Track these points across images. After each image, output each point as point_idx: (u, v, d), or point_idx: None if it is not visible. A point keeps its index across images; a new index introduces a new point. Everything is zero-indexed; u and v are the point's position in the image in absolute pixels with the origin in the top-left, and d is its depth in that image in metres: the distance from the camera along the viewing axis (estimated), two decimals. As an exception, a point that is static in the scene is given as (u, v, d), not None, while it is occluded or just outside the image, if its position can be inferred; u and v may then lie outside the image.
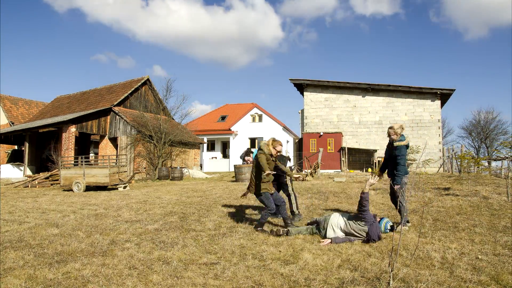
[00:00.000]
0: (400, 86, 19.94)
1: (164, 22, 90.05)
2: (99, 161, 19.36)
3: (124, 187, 13.59)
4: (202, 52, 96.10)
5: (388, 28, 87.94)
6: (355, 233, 4.71)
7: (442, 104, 20.84)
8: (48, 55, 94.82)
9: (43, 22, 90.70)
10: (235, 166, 15.64)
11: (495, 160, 16.98)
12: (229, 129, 31.30)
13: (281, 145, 5.70)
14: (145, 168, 20.38)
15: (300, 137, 24.19)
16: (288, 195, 6.54)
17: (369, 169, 17.37)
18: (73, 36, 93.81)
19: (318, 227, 5.05)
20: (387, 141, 5.62)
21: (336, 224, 4.84)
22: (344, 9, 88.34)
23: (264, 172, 5.24)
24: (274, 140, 5.61)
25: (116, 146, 21.54)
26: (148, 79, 24.04)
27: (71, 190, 13.43)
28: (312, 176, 14.75)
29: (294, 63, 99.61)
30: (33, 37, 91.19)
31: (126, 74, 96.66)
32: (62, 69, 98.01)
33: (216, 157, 31.06)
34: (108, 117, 21.79)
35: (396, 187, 5.26)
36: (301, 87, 21.61)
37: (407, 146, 5.40)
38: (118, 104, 22.01)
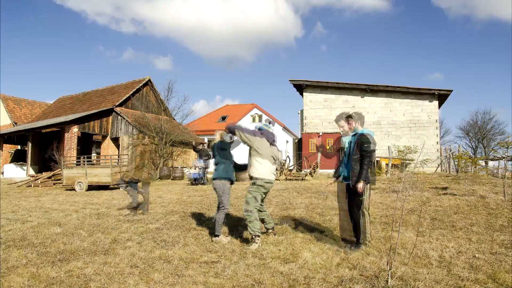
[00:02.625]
0: (398, 87, 20.00)
1: (163, 12, 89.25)
2: (101, 161, 19.43)
3: (126, 187, 13.64)
4: (202, 46, 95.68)
5: (386, 28, 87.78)
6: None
7: (440, 105, 20.87)
8: (48, 55, 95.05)
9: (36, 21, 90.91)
10: (235, 166, 15.68)
11: (492, 160, 16.97)
12: (230, 129, 31.28)
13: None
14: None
15: (299, 137, 24.24)
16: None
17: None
18: (74, 34, 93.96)
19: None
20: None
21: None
22: (341, 7, 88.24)
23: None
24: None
25: (118, 146, 21.62)
26: (149, 80, 24.12)
27: (74, 189, 13.50)
28: (312, 176, 14.82)
29: (294, 61, 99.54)
30: (34, 38, 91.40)
31: (127, 68, 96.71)
32: (64, 69, 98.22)
33: (217, 157, 31.12)
34: (110, 117, 21.87)
35: None
36: (301, 87, 21.66)
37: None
38: (120, 105, 22.08)
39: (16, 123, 27.05)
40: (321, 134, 19.44)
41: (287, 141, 32.43)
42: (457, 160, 12.82)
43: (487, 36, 76.83)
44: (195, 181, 14.14)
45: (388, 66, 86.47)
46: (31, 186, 15.84)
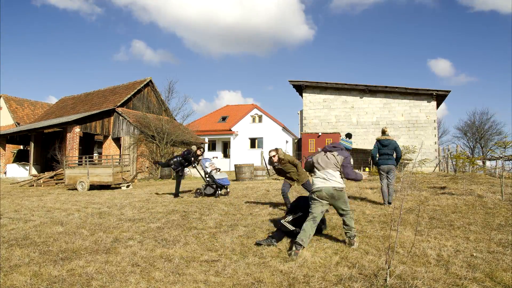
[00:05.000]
0: (396, 87, 20.06)
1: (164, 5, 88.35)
2: (102, 161, 19.49)
3: (127, 186, 13.71)
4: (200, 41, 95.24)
5: (384, 28, 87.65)
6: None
7: (438, 105, 20.90)
8: (51, 56, 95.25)
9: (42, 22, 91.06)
10: (235, 166, 15.74)
11: (489, 159, 16.98)
12: (230, 130, 31.44)
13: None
14: (147, 167, 20.52)
15: (299, 137, 24.28)
16: None
17: (367, 169, 17.45)
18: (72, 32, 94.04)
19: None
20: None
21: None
22: (337, 4, 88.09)
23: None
24: None
25: (119, 146, 21.68)
26: (150, 81, 24.19)
27: (76, 189, 13.56)
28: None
29: (293, 60, 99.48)
30: (37, 38, 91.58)
31: (127, 67, 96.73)
32: (64, 69, 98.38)
33: (217, 157, 31.23)
34: (112, 117, 21.94)
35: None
36: (300, 88, 21.71)
37: None
38: (122, 105, 22.15)
39: (18, 123, 27.17)
40: (320, 134, 19.47)
41: (286, 141, 32.50)
42: (455, 160, 12.87)
43: (487, 32, 76.67)
44: (218, 190, 9.17)
45: (386, 67, 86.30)
46: (33, 185, 15.92)
